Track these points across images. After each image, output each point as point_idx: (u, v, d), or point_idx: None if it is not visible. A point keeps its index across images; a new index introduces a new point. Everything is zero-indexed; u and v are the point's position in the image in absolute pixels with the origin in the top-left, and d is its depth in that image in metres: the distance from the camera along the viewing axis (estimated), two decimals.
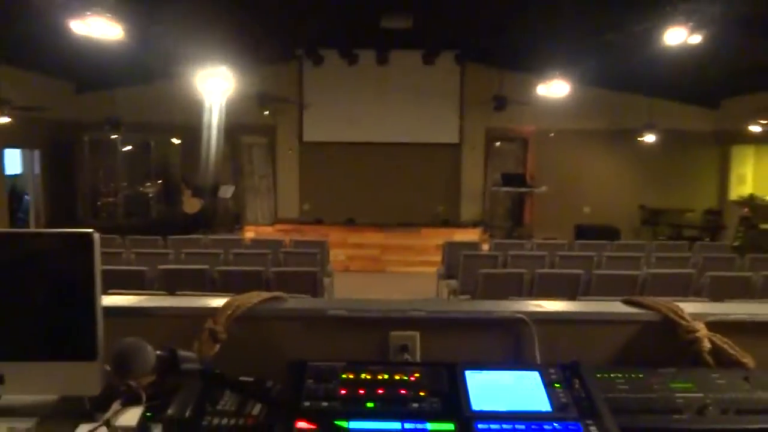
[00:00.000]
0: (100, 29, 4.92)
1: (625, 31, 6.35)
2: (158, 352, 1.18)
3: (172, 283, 4.92)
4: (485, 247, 8.24)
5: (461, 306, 1.65)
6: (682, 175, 12.55)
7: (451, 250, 7.38)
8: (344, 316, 1.52)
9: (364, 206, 12.28)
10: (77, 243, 1.32)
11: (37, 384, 1.34)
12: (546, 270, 5.68)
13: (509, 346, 1.54)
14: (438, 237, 10.34)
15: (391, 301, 1.64)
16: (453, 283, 6.75)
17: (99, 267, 1.33)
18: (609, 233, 10.59)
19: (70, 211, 11.57)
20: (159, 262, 5.63)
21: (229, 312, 1.49)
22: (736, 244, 11.00)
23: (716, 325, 1.51)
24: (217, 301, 1.53)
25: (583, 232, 11.17)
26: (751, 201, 11.54)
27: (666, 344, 1.51)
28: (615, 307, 1.60)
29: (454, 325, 1.54)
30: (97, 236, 1.32)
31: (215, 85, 10.10)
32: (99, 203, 11.45)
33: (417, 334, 1.51)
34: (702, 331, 1.48)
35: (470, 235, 10.77)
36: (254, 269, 5.19)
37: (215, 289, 5.04)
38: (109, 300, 1.52)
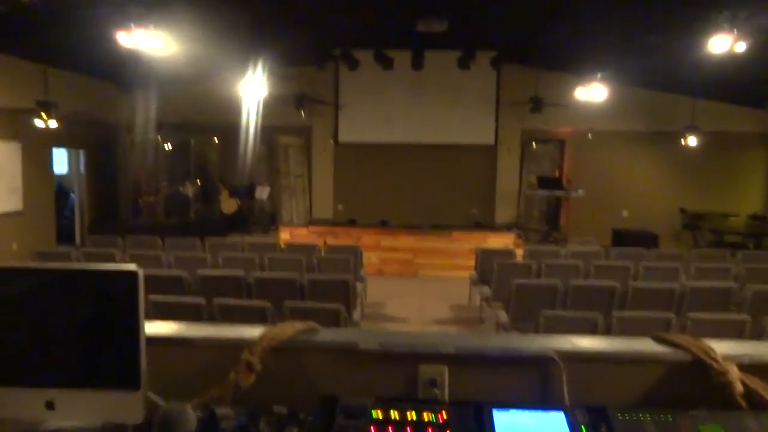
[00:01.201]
0: (143, 41, 5.09)
1: (667, 34, 6.20)
2: (198, 414, 1.24)
3: (209, 289, 5.05)
4: (519, 253, 8.18)
5: (490, 342, 1.67)
6: (726, 178, 12.17)
7: (484, 256, 7.36)
8: (375, 350, 1.56)
9: (398, 207, 12.31)
10: (123, 279, 1.39)
11: (84, 411, 1.42)
12: (581, 282, 5.61)
13: (538, 383, 1.55)
14: (471, 241, 10.32)
15: (422, 335, 1.67)
16: (486, 289, 6.74)
17: (142, 301, 1.40)
18: (647, 239, 10.37)
19: (112, 210, 11.94)
20: (197, 266, 5.78)
21: (264, 343, 1.55)
22: None
23: (749, 367, 1.49)
24: (254, 331, 1.59)
25: (620, 237, 10.96)
26: None
27: (697, 385, 1.50)
28: (645, 345, 1.60)
29: (483, 361, 1.56)
30: (140, 273, 1.39)
31: (253, 87, 10.31)
32: (140, 202, 11.77)
33: (446, 369, 1.54)
34: (734, 373, 1.47)
35: (504, 239, 10.69)
36: (288, 276, 5.28)
37: (251, 296, 5.15)
38: (151, 328, 1.59)
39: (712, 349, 1.52)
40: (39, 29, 7.01)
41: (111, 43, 5.75)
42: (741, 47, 5.29)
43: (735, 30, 5.06)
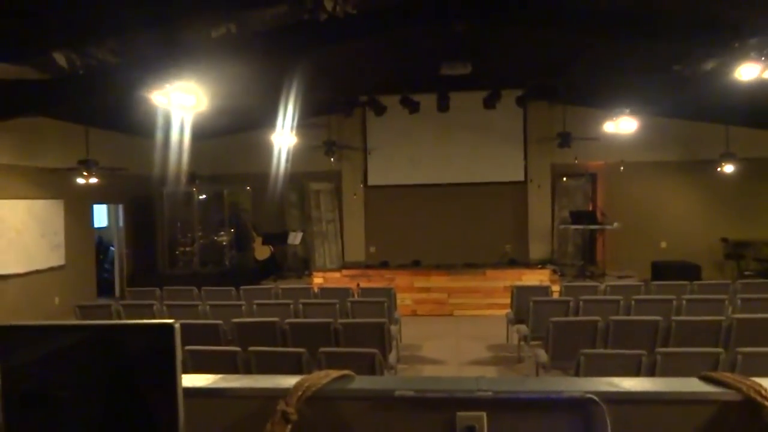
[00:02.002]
0: (177, 99, 5.31)
1: (692, 65, 6.16)
2: None
3: (245, 337, 5.08)
4: (555, 288, 8.03)
5: (529, 385, 1.63)
6: (767, 205, 11.82)
7: (519, 293, 7.24)
8: (411, 396, 1.54)
9: (430, 247, 12.28)
10: (160, 333, 1.42)
11: None
12: (621, 317, 5.46)
13: (580, 428, 1.50)
14: (506, 278, 10.17)
15: (459, 380, 1.64)
16: (523, 328, 6.60)
17: (180, 355, 1.42)
18: (689, 270, 10.06)
19: (150, 262, 12.21)
20: (233, 314, 5.83)
21: (299, 393, 1.54)
22: None
23: None
24: (289, 381, 1.59)
25: (660, 269, 10.66)
26: None
27: (748, 427, 1.44)
28: (692, 385, 1.54)
29: (522, 406, 1.53)
30: (177, 326, 1.41)
31: (283, 136, 10.59)
32: (177, 253, 12.02)
33: (484, 415, 1.51)
34: None
35: (539, 276, 10.51)
36: (323, 321, 5.28)
37: (286, 342, 5.15)
38: (188, 380, 1.61)
39: (764, 388, 1.45)
40: (79, 93, 7.37)
41: (146, 102, 6.01)
42: None
43: (762, 58, 5.00)
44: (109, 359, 1.43)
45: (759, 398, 1.43)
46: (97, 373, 1.43)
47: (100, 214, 12.51)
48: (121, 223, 11.94)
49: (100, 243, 12.34)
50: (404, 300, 9.78)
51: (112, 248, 12.34)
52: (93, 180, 9.24)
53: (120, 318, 6.11)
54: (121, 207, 11.87)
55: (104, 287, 11.52)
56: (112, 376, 1.42)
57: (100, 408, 1.43)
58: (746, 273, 11.13)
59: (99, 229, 12.26)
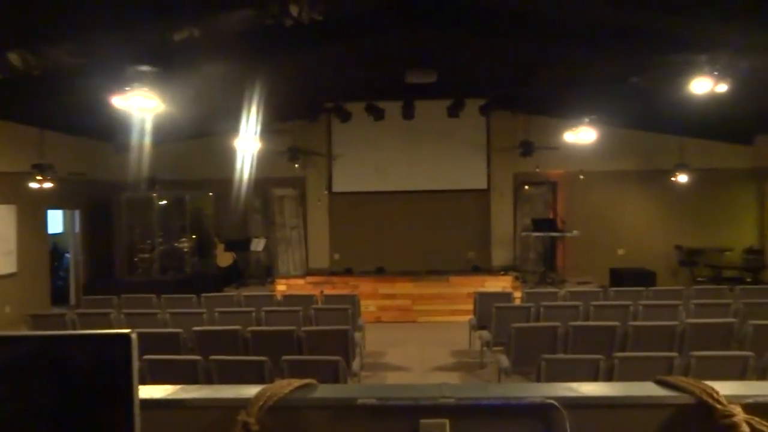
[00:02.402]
0: (138, 103, 5.19)
1: (648, 77, 6.37)
2: None
3: (206, 345, 4.98)
4: (517, 295, 8.15)
5: (491, 391, 1.65)
6: (719, 213, 12.27)
7: (482, 300, 7.32)
8: (373, 404, 1.53)
9: (394, 254, 12.31)
10: (117, 343, 1.37)
11: None
12: (580, 323, 5.57)
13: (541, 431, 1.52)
14: (469, 285, 10.26)
15: (422, 387, 1.65)
16: (485, 334, 6.67)
17: (137, 366, 1.38)
18: (645, 277, 10.35)
19: (108, 268, 11.88)
20: (193, 322, 5.72)
21: (261, 403, 1.52)
22: None
23: (754, 408, 1.47)
24: (251, 390, 1.56)
25: (617, 276, 10.93)
26: None
27: (702, 428, 1.48)
28: (648, 389, 1.58)
29: (484, 412, 1.54)
30: (134, 337, 1.37)
31: (246, 142, 10.47)
32: (136, 259, 11.73)
33: (447, 422, 1.51)
34: (739, 415, 1.45)
35: (501, 283, 10.65)
36: (286, 329, 5.22)
37: (248, 350, 5.08)
38: (145, 392, 1.57)
39: (715, 391, 1.50)
40: (35, 94, 7.15)
41: (106, 105, 5.86)
42: (722, 88, 5.43)
43: (715, 72, 5.20)
44: (61, 372, 1.38)
45: (711, 401, 1.48)
46: (48, 387, 1.37)
47: (55, 220, 12.12)
48: (77, 229, 11.59)
49: (55, 249, 11.95)
50: (368, 307, 9.76)
51: (67, 255, 11.96)
52: (48, 185, 8.95)
53: (75, 327, 5.92)
54: (77, 212, 11.52)
55: (59, 295, 11.15)
56: (64, 390, 1.37)
57: (51, 423, 1.37)
58: (699, 279, 11.52)
59: (54, 235, 11.87)
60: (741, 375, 4.02)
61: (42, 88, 6.90)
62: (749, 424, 1.43)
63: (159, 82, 5.40)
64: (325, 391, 1.61)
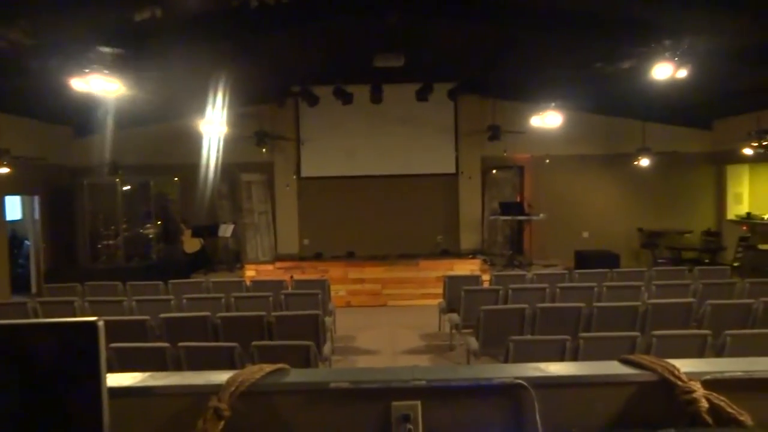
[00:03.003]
0: (98, 85, 5.04)
1: (613, 63, 6.48)
2: None
3: (174, 332, 4.92)
4: (485, 278, 8.26)
5: (461, 372, 1.67)
6: (679, 197, 12.64)
7: (451, 283, 7.39)
8: (346, 388, 1.54)
9: (364, 239, 12.31)
10: (82, 331, 1.35)
11: None
12: (547, 304, 5.68)
13: (511, 411, 1.56)
14: (438, 269, 10.36)
15: (393, 370, 1.66)
16: (455, 317, 6.75)
17: (104, 354, 1.36)
18: (609, 259, 10.59)
19: (71, 256, 11.59)
20: (160, 309, 5.64)
21: (232, 388, 1.51)
22: (736, 264, 11.04)
23: (713, 384, 1.54)
24: (222, 377, 1.56)
25: (582, 258, 11.17)
26: (748, 219, 11.61)
27: (664, 404, 1.54)
28: (613, 368, 1.63)
29: (455, 393, 1.56)
30: (101, 324, 1.35)
31: (213, 125, 10.28)
32: (99, 246, 11.47)
33: (418, 404, 1.53)
34: (699, 390, 1.51)
35: (470, 266, 10.78)
36: (255, 314, 5.19)
37: (218, 337, 5.04)
38: (113, 380, 1.54)
39: (676, 368, 1.56)
40: None
41: (65, 88, 5.67)
42: (682, 74, 5.55)
43: (676, 58, 5.32)
44: (26, 362, 1.35)
45: (672, 378, 1.53)
46: (14, 377, 1.34)
47: (13, 206, 11.73)
48: (36, 216, 11.24)
49: (14, 237, 11.58)
50: (338, 291, 9.77)
51: (27, 242, 11.61)
52: (4, 170, 8.65)
53: (37, 316, 5.77)
54: (36, 198, 11.17)
55: (19, 284, 10.83)
56: (30, 380, 1.34)
57: (18, 413, 1.34)
58: (659, 261, 11.86)
59: (12, 222, 11.50)
60: (699, 353, 4.18)
61: None
62: (708, 399, 1.49)
63: (121, 64, 5.25)
64: (298, 375, 1.61)
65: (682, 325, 5.16)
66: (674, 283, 6.59)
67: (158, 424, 1.53)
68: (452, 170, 12.69)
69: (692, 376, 1.53)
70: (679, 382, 1.52)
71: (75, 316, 5.09)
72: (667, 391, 1.52)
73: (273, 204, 12.76)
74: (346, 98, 11.10)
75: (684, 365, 1.57)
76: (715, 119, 12.29)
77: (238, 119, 11.39)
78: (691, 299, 5.63)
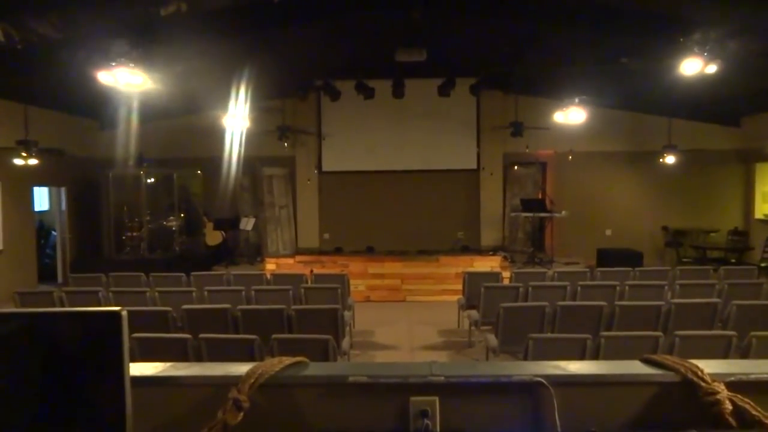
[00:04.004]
0: (124, 78, 5.11)
1: (639, 58, 6.36)
2: None
3: (195, 324, 4.98)
4: (506, 275, 8.20)
5: (480, 369, 1.66)
6: (706, 195, 12.40)
7: (471, 280, 7.36)
8: (364, 382, 1.55)
9: (384, 234, 12.32)
10: (107, 321, 1.37)
11: None
12: (567, 302, 5.63)
13: (529, 409, 1.55)
14: (458, 265, 10.33)
15: (412, 365, 1.66)
16: (474, 313, 6.72)
17: (127, 343, 1.38)
18: (632, 257, 10.45)
19: (95, 247, 11.80)
20: (182, 301, 5.71)
21: (252, 380, 1.53)
22: (763, 264, 10.80)
23: (737, 385, 1.51)
24: (241, 368, 1.57)
25: (605, 256, 11.03)
26: None
27: (686, 406, 1.51)
28: (634, 367, 1.60)
29: (473, 389, 1.56)
30: (125, 314, 1.37)
31: (235, 119, 10.37)
32: (124, 237, 11.65)
33: (436, 399, 1.53)
34: (723, 392, 1.48)
35: (490, 263, 10.72)
36: (275, 307, 5.23)
37: (238, 329, 5.09)
38: (135, 369, 1.57)
39: (700, 369, 1.53)
40: (19, 69, 7.01)
41: (92, 81, 5.76)
42: (711, 69, 5.43)
43: (705, 53, 5.21)
44: (51, 349, 1.38)
45: (696, 379, 1.51)
46: (38, 364, 1.37)
47: (41, 197, 11.98)
48: (63, 207, 11.47)
49: (41, 227, 11.83)
50: (358, 286, 9.80)
51: (54, 233, 11.85)
52: (32, 161, 8.83)
53: (63, 305, 5.89)
54: (63, 190, 11.39)
55: (46, 273, 11.07)
56: (53, 367, 1.37)
57: (41, 399, 1.37)
58: (684, 260, 11.66)
59: (40, 212, 11.75)
60: (724, 354, 4.10)
61: (26, 63, 6.76)
62: (732, 402, 1.46)
63: (146, 58, 5.32)
64: (316, 369, 1.62)
65: (706, 325, 5.08)
66: (699, 283, 6.48)
67: (179, 413, 1.56)
68: (474, 166, 12.62)
69: (716, 377, 1.50)
70: (703, 384, 1.49)
71: (99, 306, 5.19)
72: (690, 393, 1.50)
73: (294, 198, 12.83)
74: (368, 93, 11.09)
75: (708, 366, 1.54)
76: (744, 116, 12.01)
77: (260, 113, 11.47)
78: (716, 299, 5.52)
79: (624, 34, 7.14)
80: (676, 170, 11.69)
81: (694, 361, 1.56)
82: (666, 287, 6.23)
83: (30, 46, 5.58)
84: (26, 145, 8.68)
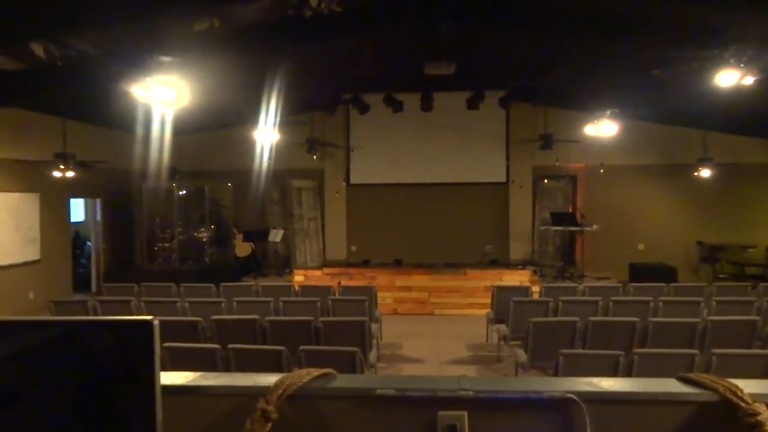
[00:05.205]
0: (158, 93, 5.24)
1: (673, 69, 6.25)
2: None
3: (224, 334, 5.03)
4: (535, 289, 8.09)
5: (510, 384, 1.64)
6: (742, 209, 12.06)
7: (500, 293, 7.28)
8: (392, 395, 1.53)
9: (411, 247, 12.30)
10: (139, 330, 1.39)
11: None
12: (599, 318, 5.52)
13: (560, 426, 1.51)
14: (486, 278, 10.23)
15: (440, 379, 1.64)
16: (503, 328, 6.64)
17: (158, 352, 1.39)
18: (665, 273, 10.20)
19: (128, 257, 12.05)
20: (212, 311, 5.78)
21: (280, 391, 1.53)
22: None
23: None
24: (269, 379, 1.57)
25: (637, 271, 10.80)
26: None
27: (725, 426, 1.46)
28: (670, 386, 1.56)
29: (503, 405, 1.53)
30: (156, 323, 1.39)
31: (265, 133, 10.52)
32: (156, 248, 11.87)
33: (465, 414, 1.51)
34: (764, 413, 1.42)
35: (519, 277, 10.59)
36: (303, 319, 5.25)
37: (266, 340, 5.12)
38: (166, 378, 1.58)
39: (739, 389, 1.48)
40: (57, 84, 7.24)
41: (127, 95, 5.92)
42: (748, 81, 5.30)
43: (741, 65, 5.09)
44: (84, 356, 1.40)
45: (735, 399, 1.45)
46: (72, 371, 1.39)
47: (77, 209, 12.30)
48: (98, 218, 11.75)
49: (77, 237, 12.14)
50: (385, 299, 9.78)
51: (88, 243, 12.14)
52: (70, 173, 9.08)
53: (96, 314, 6.02)
54: (98, 201, 11.68)
55: (80, 282, 11.34)
56: (87, 374, 1.39)
57: (74, 406, 1.40)
58: (721, 276, 11.34)
59: (76, 223, 12.06)
60: (764, 373, 3.96)
61: (64, 78, 6.97)
62: None
63: (179, 73, 5.44)
64: (344, 381, 1.61)
65: (745, 344, 4.91)
66: (737, 300, 6.28)
67: (207, 422, 1.56)
68: (503, 179, 12.54)
69: (757, 397, 1.45)
70: (743, 404, 1.44)
71: (132, 315, 5.28)
72: (729, 413, 1.45)
73: (322, 210, 12.92)
74: (397, 106, 11.14)
75: (748, 386, 1.49)
76: None
77: (289, 126, 11.62)
78: (755, 317, 5.34)
79: (656, 44, 7.02)
80: (712, 184, 11.42)
81: (733, 381, 1.51)
82: (702, 304, 6.06)
83: (68, 62, 5.77)
84: (64, 158, 8.93)
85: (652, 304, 6.00)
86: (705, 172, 11.12)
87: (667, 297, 6.59)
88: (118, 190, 11.90)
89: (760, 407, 1.42)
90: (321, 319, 5.48)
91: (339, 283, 8.89)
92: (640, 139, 11.83)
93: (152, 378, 1.37)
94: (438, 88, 10.90)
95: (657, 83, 7.61)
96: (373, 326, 6.34)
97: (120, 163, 11.58)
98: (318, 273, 11.31)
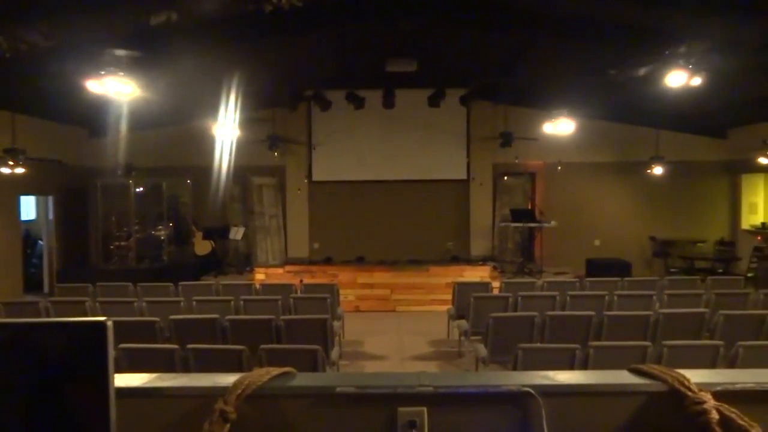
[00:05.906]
0: (114, 88, 5.10)
1: (626, 70, 6.44)
2: None
3: (183, 334, 4.94)
4: (495, 285, 8.22)
5: (469, 379, 1.66)
6: (693, 205, 12.52)
7: (461, 290, 7.37)
8: (352, 393, 1.54)
9: (374, 244, 12.32)
10: (91, 331, 1.35)
11: None
12: (557, 312, 5.65)
13: (518, 419, 1.54)
14: (448, 275, 10.33)
15: (400, 375, 1.65)
16: (464, 323, 6.72)
17: (112, 354, 1.36)
18: (621, 267, 10.51)
19: (82, 256, 11.69)
20: (170, 311, 5.67)
21: (239, 391, 1.51)
22: (750, 275, 10.90)
23: (724, 395, 1.51)
24: (229, 379, 1.55)
25: (594, 266, 11.09)
26: (763, 230, 11.47)
27: (674, 415, 1.51)
28: (622, 377, 1.61)
29: (462, 400, 1.55)
30: (110, 324, 1.35)
31: (225, 129, 10.35)
32: (111, 247, 11.55)
33: (425, 410, 1.52)
34: (709, 402, 1.48)
35: (480, 273, 10.74)
36: (264, 318, 5.20)
37: (226, 339, 5.05)
38: (121, 380, 1.55)
39: (687, 379, 1.53)
40: (7, 78, 6.97)
41: (80, 90, 5.74)
42: (696, 82, 5.51)
43: (690, 66, 5.28)
44: (35, 359, 1.36)
45: (683, 388, 1.51)
46: (23, 375, 1.35)
47: (28, 206, 11.87)
48: (50, 216, 11.37)
49: (28, 236, 11.71)
50: (347, 296, 9.78)
51: (40, 242, 11.74)
52: (19, 170, 8.75)
53: (49, 315, 5.83)
54: (51, 199, 11.30)
55: (32, 283, 10.95)
56: (39, 378, 1.35)
57: (26, 410, 1.35)
58: (672, 270, 11.74)
59: (26, 222, 11.63)
60: (711, 363, 4.13)
61: (14, 72, 6.72)
62: (718, 411, 1.47)
63: (136, 67, 5.31)
64: (304, 379, 1.61)
65: (694, 335, 5.11)
66: (687, 293, 6.52)
67: (164, 425, 1.54)
68: (464, 176, 12.67)
69: (703, 386, 1.51)
70: (690, 393, 1.50)
71: (86, 316, 5.14)
72: (677, 402, 1.50)
73: (284, 207, 12.80)
74: (359, 103, 11.13)
75: (695, 376, 1.55)
76: (730, 128, 12.17)
77: (250, 123, 11.46)
78: (703, 309, 5.56)
79: (611, 46, 7.23)
80: (664, 181, 11.80)
81: (681, 371, 1.57)
82: (654, 297, 6.27)
83: (18, 54, 5.55)
84: (13, 154, 8.60)
85: (607, 298, 6.18)
86: (657, 170, 11.48)
87: (622, 291, 6.79)
88: (72, 188, 11.52)
89: (705, 396, 1.48)
90: (282, 317, 5.44)
91: (301, 281, 8.85)
92: (595, 138, 12.14)
93: (106, 380, 1.34)
94: (400, 86, 10.94)
95: (612, 83, 7.83)
96: (336, 324, 6.33)
97: (74, 160, 11.24)
98: (280, 271, 11.21)
